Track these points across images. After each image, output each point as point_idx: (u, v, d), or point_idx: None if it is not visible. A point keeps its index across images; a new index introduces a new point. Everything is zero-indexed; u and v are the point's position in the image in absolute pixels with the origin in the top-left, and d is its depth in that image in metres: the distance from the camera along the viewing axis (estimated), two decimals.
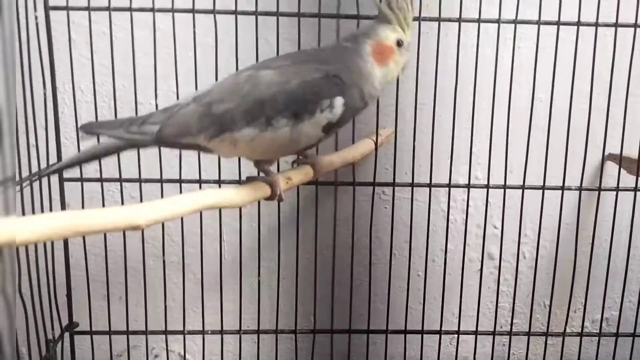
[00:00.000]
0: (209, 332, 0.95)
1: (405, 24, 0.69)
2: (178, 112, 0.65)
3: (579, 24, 0.85)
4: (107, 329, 0.94)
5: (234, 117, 0.63)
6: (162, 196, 0.88)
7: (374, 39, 0.68)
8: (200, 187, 0.89)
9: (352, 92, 0.65)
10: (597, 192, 0.94)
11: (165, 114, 0.65)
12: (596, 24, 0.86)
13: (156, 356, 1.02)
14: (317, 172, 0.76)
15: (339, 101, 0.64)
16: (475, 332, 0.97)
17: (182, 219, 0.92)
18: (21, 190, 0.79)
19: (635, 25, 0.86)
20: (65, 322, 0.93)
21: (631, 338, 0.99)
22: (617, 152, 0.94)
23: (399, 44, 0.69)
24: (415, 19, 0.84)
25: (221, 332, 0.94)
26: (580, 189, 0.92)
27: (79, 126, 0.68)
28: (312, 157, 0.76)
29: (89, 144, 0.70)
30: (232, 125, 0.63)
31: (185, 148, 0.69)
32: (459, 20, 0.85)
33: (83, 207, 0.88)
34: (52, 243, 0.86)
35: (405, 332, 0.95)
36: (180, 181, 0.89)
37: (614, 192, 0.93)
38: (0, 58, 0.46)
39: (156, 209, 0.58)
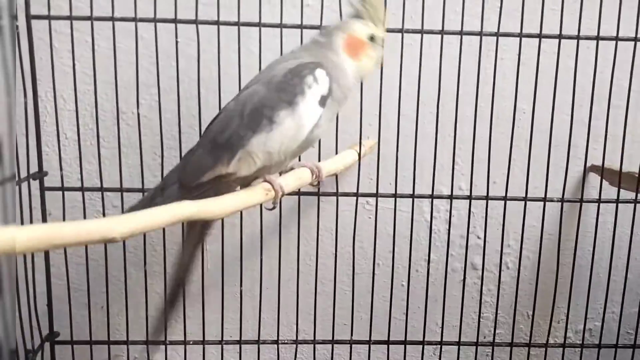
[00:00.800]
0: (191, 342, 0.94)
1: (377, 19, 0.71)
2: (190, 160, 0.68)
3: (560, 36, 0.86)
4: (88, 339, 0.93)
5: (240, 134, 0.65)
6: None
7: (346, 31, 0.70)
8: None
9: (328, 67, 0.68)
10: (579, 203, 0.94)
11: (174, 173, 0.68)
12: (578, 37, 0.86)
13: None
14: (320, 175, 0.77)
15: (320, 72, 0.67)
16: (458, 343, 0.97)
17: (163, 228, 0.92)
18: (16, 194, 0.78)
19: (616, 39, 0.87)
20: (45, 331, 0.92)
21: (613, 349, 0.99)
22: (599, 163, 0.94)
23: (372, 38, 0.71)
24: (398, 30, 0.85)
25: (203, 342, 0.94)
26: (562, 200, 0.92)
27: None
28: (304, 162, 0.77)
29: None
30: (241, 141, 0.65)
31: (207, 188, 0.68)
32: (442, 32, 0.85)
33: (64, 216, 0.88)
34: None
35: (388, 342, 0.95)
36: None
37: (596, 204, 0.94)
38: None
39: (132, 222, 0.57)
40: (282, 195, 0.73)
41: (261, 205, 0.83)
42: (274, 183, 0.71)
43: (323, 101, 0.67)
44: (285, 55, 0.72)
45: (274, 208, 0.75)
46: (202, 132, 0.71)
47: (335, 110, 0.72)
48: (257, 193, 0.70)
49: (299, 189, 0.82)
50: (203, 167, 0.66)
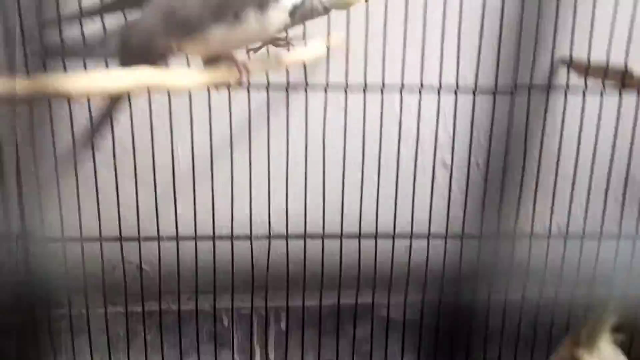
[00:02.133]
0: (164, 238, 0.95)
1: None
2: (139, 21, 0.64)
3: None
4: None
5: (202, 18, 0.63)
6: None
7: None
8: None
9: None
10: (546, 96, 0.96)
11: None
12: None
13: None
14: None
15: None
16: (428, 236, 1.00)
17: (132, 129, 0.92)
18: None
19: None
20: None
21: (580, 240, 1.02)
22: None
23: None
24: None
25: (176, 238, 0.95)
26: (530, 87, 0.92)
27: None
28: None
29: None
30: (201, 25, 0.63)
31: (148, 59, 0.64)
32: None
33: None
34: None
35: (360, 237, 0.98)
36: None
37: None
38: None
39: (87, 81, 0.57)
40: (248, 74, 0.72)
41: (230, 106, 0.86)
42: (237, 62, 0.70)
43: (293, 12, 0.65)
44: None
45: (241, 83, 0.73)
46: None
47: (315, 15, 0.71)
48: (221, 70, 0.70)
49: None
50: (152, 34, 0.63)
